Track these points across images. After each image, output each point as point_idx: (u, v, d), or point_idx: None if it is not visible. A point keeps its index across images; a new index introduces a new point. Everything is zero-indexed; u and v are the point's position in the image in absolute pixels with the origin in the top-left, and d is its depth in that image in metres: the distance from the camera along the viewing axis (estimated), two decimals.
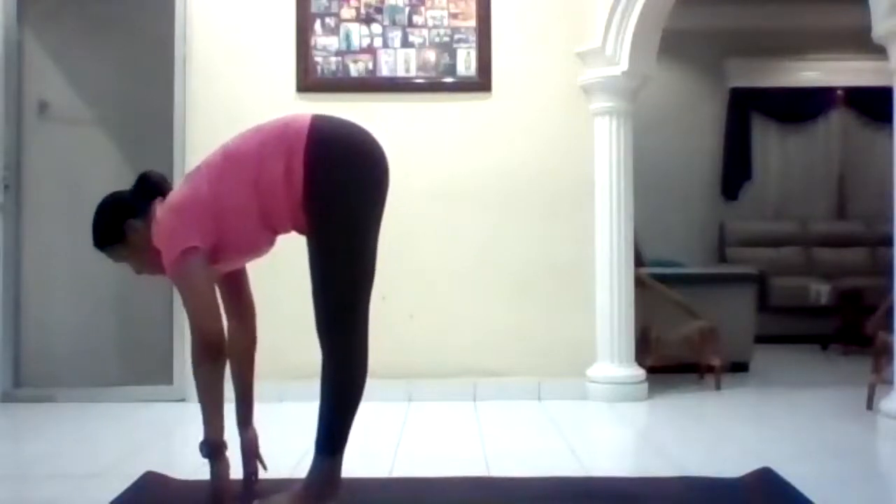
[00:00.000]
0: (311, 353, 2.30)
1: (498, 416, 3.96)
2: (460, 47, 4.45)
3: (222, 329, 2.25)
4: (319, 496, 2.27)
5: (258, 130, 2.31)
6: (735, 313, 5.17)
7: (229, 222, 2.24)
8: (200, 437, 2.26)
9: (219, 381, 2.23)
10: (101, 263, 4.62)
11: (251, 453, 2.51)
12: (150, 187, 2.37)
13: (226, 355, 2.26)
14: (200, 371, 2.22)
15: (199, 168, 2.32)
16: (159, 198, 2.35)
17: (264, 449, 2.55)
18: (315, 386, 2.27)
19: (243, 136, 2.33)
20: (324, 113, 2.34)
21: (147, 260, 2.35)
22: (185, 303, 2.23)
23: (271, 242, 2.37)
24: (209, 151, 2.38)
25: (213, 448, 2.24)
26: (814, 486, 2.55)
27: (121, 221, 2.34)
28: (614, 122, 4.41)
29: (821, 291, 6.95)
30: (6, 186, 4.42)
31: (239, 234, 2.28)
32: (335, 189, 2.21)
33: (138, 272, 2.43)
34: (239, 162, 2.25)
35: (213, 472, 2.25)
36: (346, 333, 2.24)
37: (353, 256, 2.24)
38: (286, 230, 2.33)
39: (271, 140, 2.25)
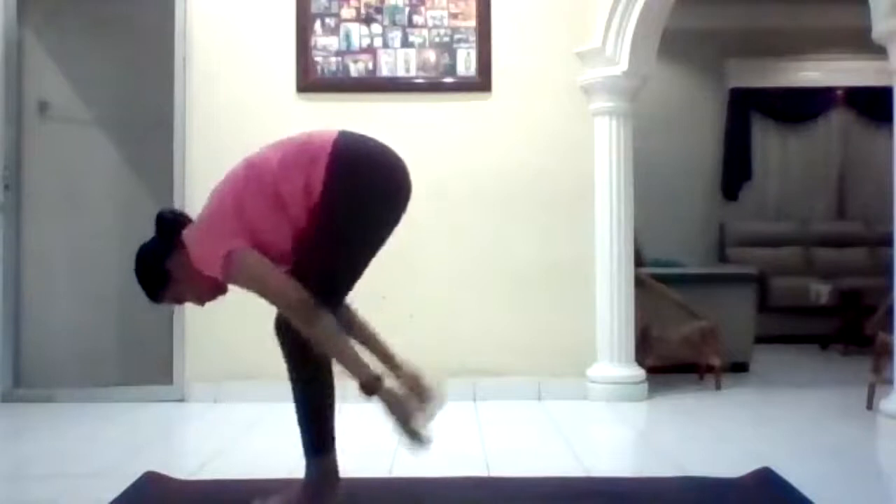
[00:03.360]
0: None
1: (498, 416, 3.96)
2: (460, 47, 4.45)
3: (306, 293, 2.14)
4: (318, 495, 2.27)
5: (282, 143, 2.30)
6: (735, 313, 5.17)
7: (258, 232, 2.21)
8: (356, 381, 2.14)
9: (340, 332, 2.18)
10: (101, 263, 4.67)
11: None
12: (169, 223, 2.35)
13: (326, 311, 2.16)
14: (320, 331, 2.13)
15: (221, 183, 2.30)
16: (183, 230, 2.31)
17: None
18: None
19: (267, 147, 2.32)
20: (350, 130, 2.30)
21: (201, 288, 2.33)
22: (261, 293, 2.18)
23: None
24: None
25: (372, 383, 2.13)
26: (814, 486, 2.55)
27: (159, 265, 2.31)
28: (614, 122, 4.41)
29: (821, 291, 6.95)
30: (6, 186, 4.42)
31: (270, 241, 2.23)
32: (349, 204, 2.18)
33: (201, 304, 2.41)
34: (260, 172, 2.23)
35: (388, 401, 2.14)
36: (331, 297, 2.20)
37: (341, 266, 2.22)
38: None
39: (293, 150, 2.24)
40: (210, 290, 2.32)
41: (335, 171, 2.18)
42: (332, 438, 2.30)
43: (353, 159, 2.22)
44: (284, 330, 2.22)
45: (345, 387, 2.24)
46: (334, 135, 2.25)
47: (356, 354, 2.18)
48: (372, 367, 2.18)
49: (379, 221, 2.27)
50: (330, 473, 2.29)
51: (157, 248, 2.33)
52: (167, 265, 2.29)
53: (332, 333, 2.16)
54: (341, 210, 2.18)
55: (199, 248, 2.23)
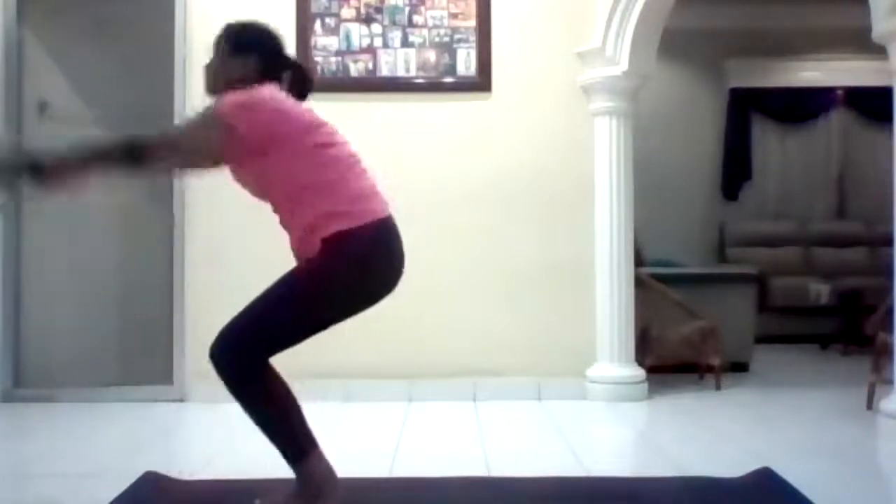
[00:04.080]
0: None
1: (498, 416, 3.96)
2: (460, 47, 4.45)
3: (197, 157, 2.33)
4: (318, 494, 2.26)
5: (357, 162, 2.30)
6: (735, 313, 5.17)
7: (273, 166, 2.22)
8: None
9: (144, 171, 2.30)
10: (101, 264, 4.66)
11: None
12: (290, 69, 2.41)
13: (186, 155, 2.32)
14: (152, 161, 2.23)
15: (325, 121, 2.30)
16: (277, 84, 2.34)
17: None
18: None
19: (354, 154, 2.31)
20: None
21: (218, 86, 2.45)
22: (191, 126, 2.34)
23: (268, 204, 2.34)
24: None
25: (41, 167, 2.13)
26: (814, 486, 2.55)
27: (251, 48, 2.41)
28: (614, 122, 4.41)
29: (821, 291, 6.95)
30: None
31: (265, 177, 2.25)
32: (340, 272, 2.19)
33: (206, 89, 2.55)
34: (329, 159, 2.24)
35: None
36: (253, 354, 2.24)
37: (309, 313, 2.23)
38: (289, 233, 2.31)
39: (354, 185, 2.24)
40: (220, 93, 2.39)
41: (360, 239, 2.18)
42: (310, 441, 2.27)
43: (376, 243, 2.23)
44: (217, 357, 2.24)
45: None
46: (387, 212, 2.27)
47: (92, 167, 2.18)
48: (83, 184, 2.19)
49: (346, 301, 2.27)
50: (321, 472, 2.25)
51: (274, 50, 2.43)
52: (247, 54, 2.40)
53: (143, 168, 2.24)
54: (330, 267, 2.18)
55: (250, 94, 2.25)
